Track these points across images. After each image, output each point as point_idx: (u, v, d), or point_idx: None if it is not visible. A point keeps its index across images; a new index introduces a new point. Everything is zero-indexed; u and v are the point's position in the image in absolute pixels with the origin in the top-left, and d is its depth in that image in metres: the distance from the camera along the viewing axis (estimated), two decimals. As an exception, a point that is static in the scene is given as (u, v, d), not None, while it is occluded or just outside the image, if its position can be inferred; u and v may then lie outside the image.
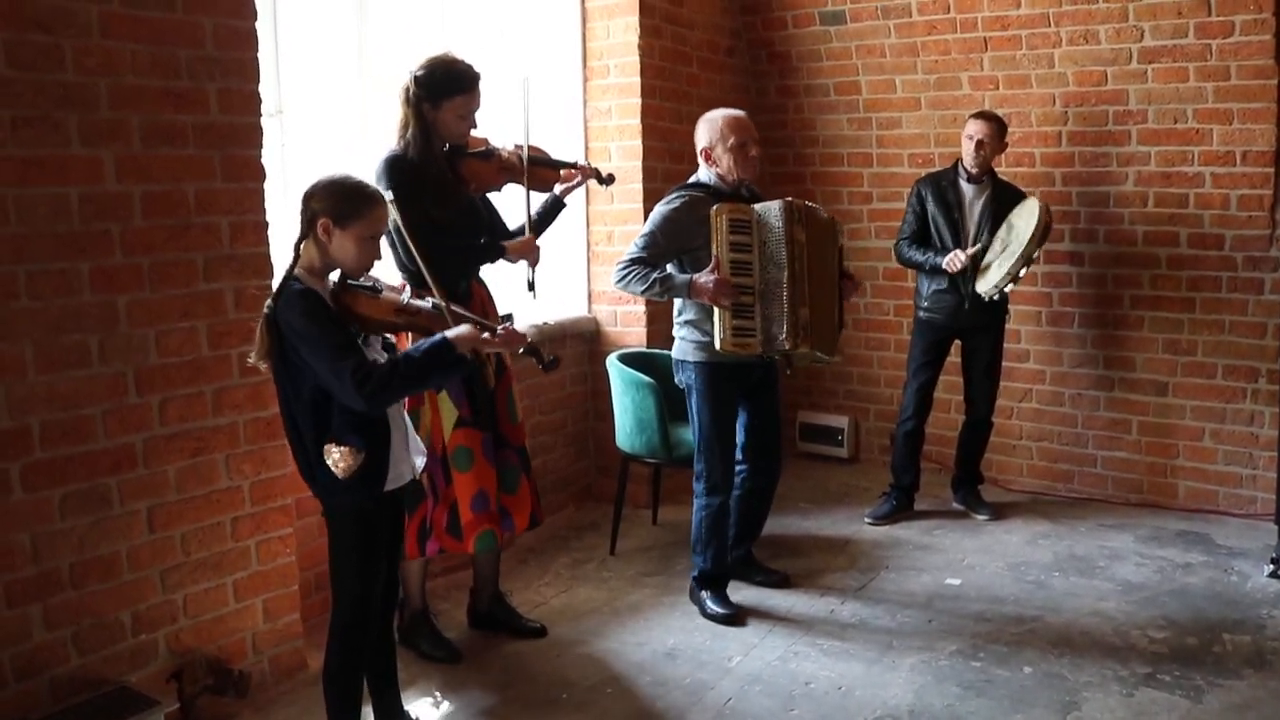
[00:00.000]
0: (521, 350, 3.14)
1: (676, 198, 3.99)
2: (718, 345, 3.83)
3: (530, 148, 3.78)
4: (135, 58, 3.03)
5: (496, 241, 3.74)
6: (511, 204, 3.98)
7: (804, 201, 3.99)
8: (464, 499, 3.64)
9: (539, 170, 3.82)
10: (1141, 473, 5.37)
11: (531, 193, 3.80)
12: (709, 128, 3.99)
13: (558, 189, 3.90)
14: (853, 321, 6.03)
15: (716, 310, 3.82)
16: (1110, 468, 5.46)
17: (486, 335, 3.00)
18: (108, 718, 2.91)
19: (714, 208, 3.85)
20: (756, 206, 3.90)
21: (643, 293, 3.89)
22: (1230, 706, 3.35)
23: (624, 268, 3.90)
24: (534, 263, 3.81)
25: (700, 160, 4.04)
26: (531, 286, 3.81)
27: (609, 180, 4.02)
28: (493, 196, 3.90)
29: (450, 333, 2.77)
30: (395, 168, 3.47)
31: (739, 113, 4.03)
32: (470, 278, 3.72)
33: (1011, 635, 3.89)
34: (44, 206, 2.86)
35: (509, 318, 4.82)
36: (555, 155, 3.93)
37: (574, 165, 3.92)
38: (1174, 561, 4.58)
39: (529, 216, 3.81)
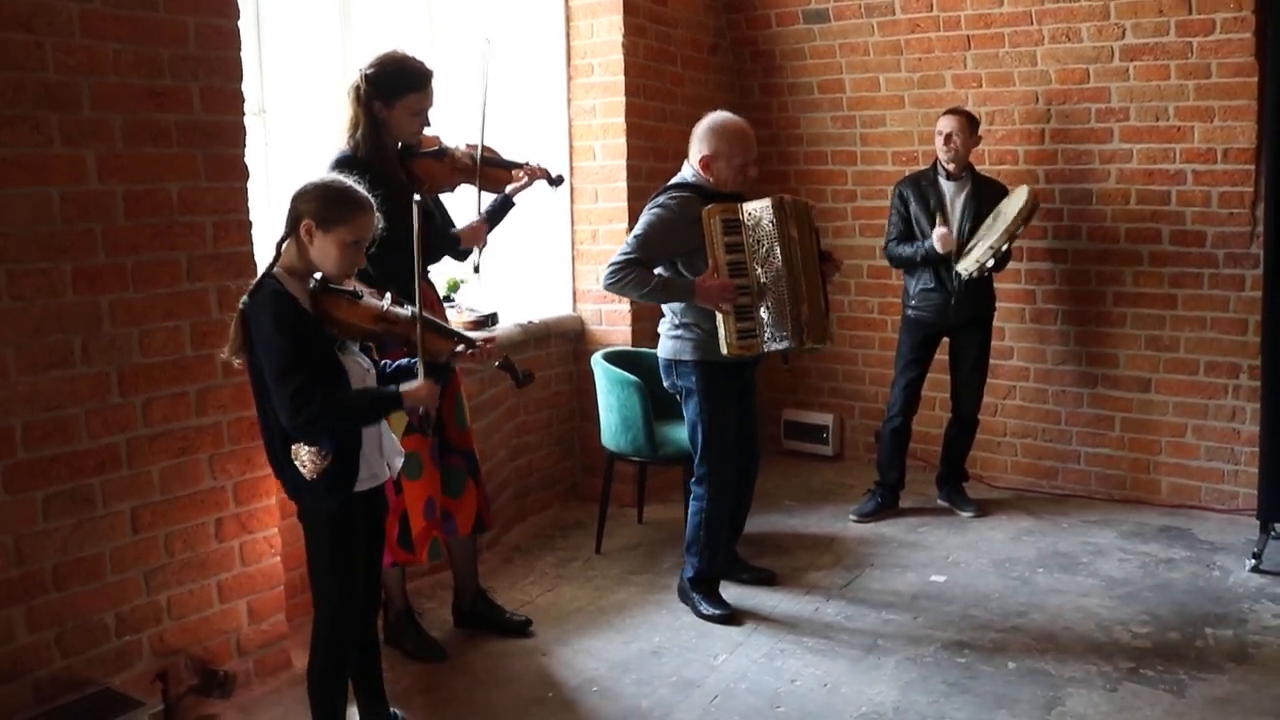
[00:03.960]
0: (497, 364, 3.13)
1: (668, 199, 3.93)
2: (724, 350, 3.82)
3: (483, 148, 3.77)
4: (117, 56, 3.01)
5: (448, 231, 3.73)
6: (461, 204, 3.97)
7: (790, 196, 3.98)
8: (415, 508, 3.62)
9: (492, 170, 3.81)
10: (1124, 469, 5.40)
11: (482, 193, 3.80)
12: (718, 140, 3.90)
13: (508, 189, 3.89)
14: (837, 319, 6.04)
15: (719, 315, 3.82)
16: (1093, 464, 5.49)
17: (461, 348, 2.99)
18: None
19: (705, 209, 3.83)
20: (746, 206, 3.88)
21: (640, 297, 3.86)
22: (1213, 700, 3.37)
23: (617, 270, 3.83)
24: (481, 246, 3.79)
25: (696, 164, 3.96)
26: (477, 269, 3.80)
27: (558, 181, 4.00)
28: (443, 197, 3.88)
29: (408, 387, 2.79)
30: (345, 166, 3.39)
31: (747, 130, 3.97)
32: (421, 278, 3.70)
33: (996, 632, 3.91)
34: (25, 206, 2.84)
35: (493, 317, 4.83)
36: (506, 156, 3.91)
37: (525, 165, 3.90)
38: (1157, 557, 4.61)
39: (478, 213, 3.80)
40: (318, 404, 2.62)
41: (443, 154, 3.72)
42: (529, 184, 3.91)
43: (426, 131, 3.66)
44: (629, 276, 3.82)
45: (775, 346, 3.86)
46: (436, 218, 3.80)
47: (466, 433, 3.81)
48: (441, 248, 3.72)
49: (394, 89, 3.49)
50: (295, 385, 2.61)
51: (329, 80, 4.29)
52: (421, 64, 3.55)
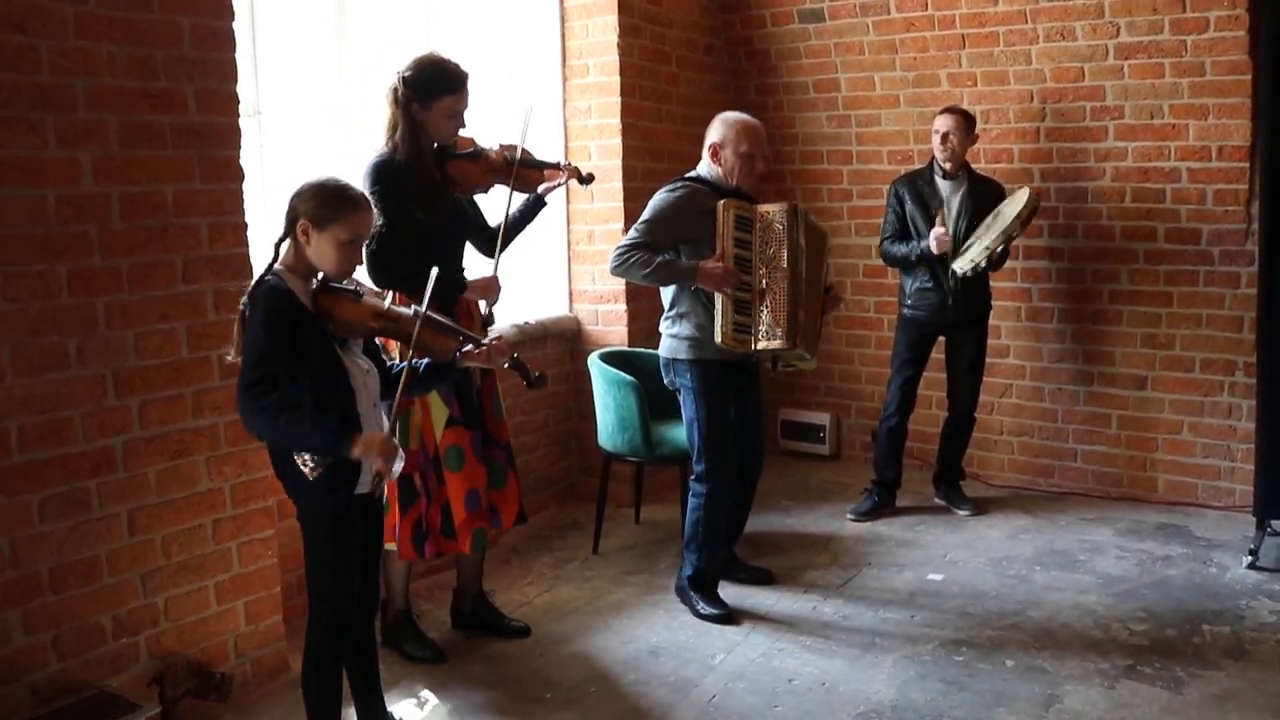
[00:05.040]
0: (506, 365, 3.12)
1: (679, 187, 3.99)
2: (718, 338, 3.83)
3: (521, 150, 3.79)
4: (112, 58, 3.01)
5: (461, 279, 3.74)
6: (493, 202, 3.98)
7: (805, 209, 4.02)
8: (457, 498, 3.64)
9: (525, 171, 3.82)
10: (1121, 466, 5.40)
11: (514, 193, 3.82)
12: (726, 128, 3.98)
13: (540, 189, 3.90)
14: (834, 319, 6.06)
15: (719, 302, 3.83)
16: (1090, 462, 5.49)
17: (469, 348, 2.99)
18: (89, 722, 2.90)
19: (721, 201, 3.87)
20: (760, 207, 3.93)
21: (643, 277, 3.87)
22: (1210, 697, 3.38)
23: (623, 252, 3.87)
24: (492, 301, 3.82)
25: (705, 155, 4.02)
26: (488, 322, 3.81)
27: (589, 179, 4.04)
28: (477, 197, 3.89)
29: (361, 440, 2.63)
30: (382, 171, 3.46)
31: (757, 124, 4.03)
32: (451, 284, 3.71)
33: (993, 630, 3.91)
34: (21, 208, 2.84)
35: (489, 318, 4.82)
36: (538, 156, 3.93)
37: (557, 165, 3.92)
38: (1154, 554, 4.61)
39: (505, 218, 3.82)
40: (273, 398, 2.56)
41: (478, 155, 3.74)
42: (562, 183, 3.93)
43: (461, 133, 3.68)
44: (634, 257, 3.85)
45: (768, 345, 3.87)
46: (471, 220, 3.82)
47: (504, 425, 3.85)
48: (449, 290, 3.72)
49: (430, 91, 3.51)
50: (259, 374, 2.58)
51: (324, 82, 4.29)
52: (457, 66, 3.57)
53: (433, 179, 3.58)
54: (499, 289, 3.82)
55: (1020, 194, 4.82)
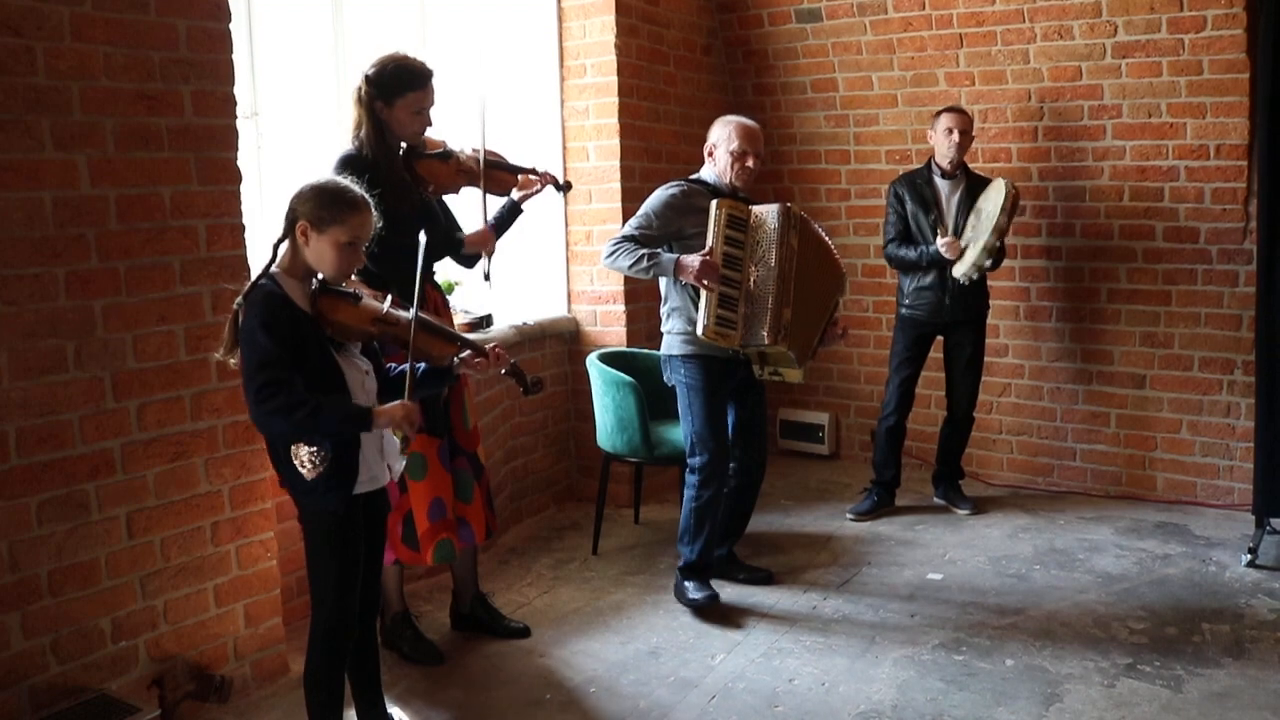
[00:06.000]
0: (504, 371, 3.11)
1: (676, 185, 4.08)
2: (700, 331, 3.85)
3: (487, 152, 3.77)
4: (108, 60, 3.00)
5: (453, 234, 3.72)
6: (468, 209, 3.95)
7: (805, 215, 4.04)
8: (420, 508, 3.61)
9: (497, 174, 3.81)
10: (1120, 465, 5.41)
11: (489, 197, 3.79)
12: (721, 127, 4.09)
13: (515, 194, 3.88)
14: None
15: (703, 296, 3.85)
16: (1089, 461, 5.50)
17: (467, 354, 2.98)
18: (88, 726, 2.89)
19: (715, 201, 3.92)
20: (755, 208, 3.97)
21: (629, 267, 3.92)
22: (1210, 695, 3.38)
23: (614, 244, 3.96)
24: (490, 253, 3.79)
25: (705, 156, 4.13)
26: (487, 276, 3.79)
27: (567, 188, 4.04)
28: (450, 201, 3.87)
29: (382, 410, 2.69)
30: (350, 164, 3.44)
31: (753, 125, 4.12)
32: (424, 280, 3.69)
33: (993, 629, 3.91)
34: (17, 211, 2.83)
35: (488, 319, 4.82)
36: (513, 160, 3.91)
37: (532, 171, 3.91)
38: (1153, 553, 4.61)
39: (484, 217, 3.80)
40: (283, 398, 2.57)
41: (447, 156, 3.73)
42: (537, 190, 3.91)
43: (432, 134, 3.67)
44: (623, 249, 3.93)
45: (751, 340, 3.88)
46: (440, 219, 3.80)
47: (472, 433, 3.80)
48: (444, 249, 3.72)
49: (394, 88, 3.50)
50: (265, 378, 2.58)
51: (321, 83, 4.29)
52: (421, 64, 3.57)
53: (401, 178, 3.55)
54: (494, 240, 3.79)
55: (996, 185, 4.81)
